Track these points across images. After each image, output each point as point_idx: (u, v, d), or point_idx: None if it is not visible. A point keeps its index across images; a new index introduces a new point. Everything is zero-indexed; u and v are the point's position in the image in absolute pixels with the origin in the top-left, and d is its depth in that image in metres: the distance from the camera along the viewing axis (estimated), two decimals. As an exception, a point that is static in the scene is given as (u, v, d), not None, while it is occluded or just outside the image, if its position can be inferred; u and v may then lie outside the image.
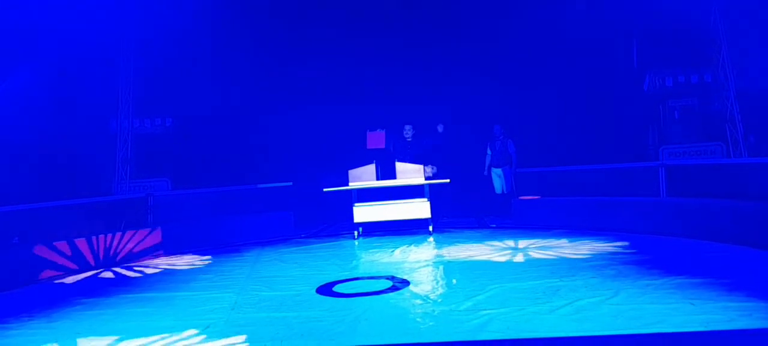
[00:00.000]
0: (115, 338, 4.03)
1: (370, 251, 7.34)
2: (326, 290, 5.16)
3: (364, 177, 8.42)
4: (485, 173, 10.10)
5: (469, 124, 10.76)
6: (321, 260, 6.82)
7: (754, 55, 9.81)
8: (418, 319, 4.07)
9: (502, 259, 6.14)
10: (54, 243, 7.04)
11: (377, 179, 8.39)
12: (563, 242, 7.00)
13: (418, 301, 4.56)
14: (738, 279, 4.58)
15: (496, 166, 9.93)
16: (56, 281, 6.63)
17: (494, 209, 10.11)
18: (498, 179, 9.98)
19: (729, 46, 9.82)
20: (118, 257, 7.76)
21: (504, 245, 7.01)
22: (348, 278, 5.68)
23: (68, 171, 10.34)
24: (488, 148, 10.01)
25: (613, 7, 9.96)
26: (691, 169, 8.28)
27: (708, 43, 10.13)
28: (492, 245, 7.07)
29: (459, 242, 7.48)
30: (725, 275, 4.76)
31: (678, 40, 10.48)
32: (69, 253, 7.18)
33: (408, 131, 9.33)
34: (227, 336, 3.89)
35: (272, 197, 10.14)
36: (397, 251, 7.12)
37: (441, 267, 5.99)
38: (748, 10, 9.73)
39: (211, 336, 3.92)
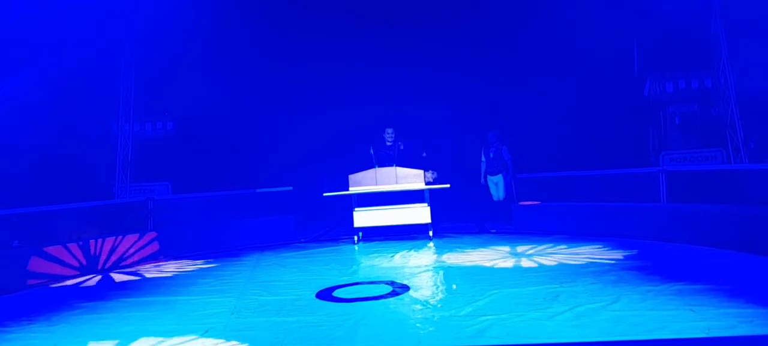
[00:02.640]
0: (115, 341, 4.03)
1: (370, 255, 7.33)
2: (326, 295, 5.15)
3: (364, 182, 8.42)
4: (482, 181, 9.98)
5: (470, 129, 10.77)
6: (321, 265, 6.82)
7: (755, 61, 9.81)
8: (417, 324, 4.06)
9: (503, 264, 6.13)
10: (54, 247, 7.05)
11: (377, 183, 8.39)
12: (563, 247, 6.99)
13: (418, 306, 4.56)
14: (739, 286, 4.57)
15: (493, 174, 9.77)
16: (56, 285, 6.63)
17: (494, 215, 10.08)
18: (495, 187, 9.84)
19: (729, 52, 9.82)
20: (118, 261, 7.76)
21: (504, 251, 7.00)
22: (348, 282, 5.67)
23: (69, 175, 10.34)
24: (482, 156, 9.86)
25: (613, 12, 9.97)
26: (691, 174, 8.28)
27: (708, 48, 10.14)
28: (492, 251, 7.06)
29: (459, 248, 7.48)
30: (726, 281, 4.75)
31: (678, 46, 10.48)
32: (69, 257, 7.18)
33: (389, 135, 9.28)
34: (227, 340, 3.88)
35: (273, 201, 10.15)
36: (397, 256, 7.11)
37: (441, 272, 5.98)
38: (748, 16, 9.74)
39: (211, 341, 3.91)
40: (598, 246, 6.91)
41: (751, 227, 6.10)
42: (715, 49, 9.98)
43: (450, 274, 5.85)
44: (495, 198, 9.90)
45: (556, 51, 10.53)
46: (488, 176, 9.83)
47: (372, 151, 9.09)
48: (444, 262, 6.53)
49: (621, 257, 6.09)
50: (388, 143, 9.21)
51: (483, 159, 9.85)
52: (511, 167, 9.65)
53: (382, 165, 8.80)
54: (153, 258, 8.18)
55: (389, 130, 9.31)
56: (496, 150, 9.67)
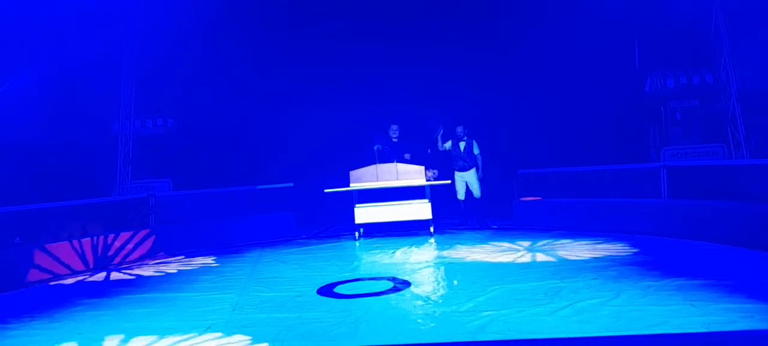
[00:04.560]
0: (117, 338, 4.04)
1: (371, 252, 7.34)
2: (327, 291, 5.16)
3: (365, 178, 8.42)
4: (437, 137, 9.22)
5: (470, 127, 10.75)
6: (322, 261, 6.83)
7: (756, 56, 9.80)
8: (418, 320, 4.07)
9: (503, 260, 6.14)
10: (55, 244, 7.06)
11: (378, 179, 8.39)
12: (564, 243, 6.99)
13: (419, 302, 4.56)
14: (739, 281, 4.58)
15: (464, 170, 9.26)
16: (58, 282, 6.64)
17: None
18: (462, 185, 9.35)
19: (730, 47, 9.80)
20: (120, 258, 7.78)
21: (505, 246, 7.01)
22: (349, 279, 5.68)
23: (69, 172, 10.35)
24: (451, 145, 9.28)
25: (614, 8, 9.95)
26: (692, 170, 8.28)
27: (709, 43, 10.12)
28: (493, 246, 7.07)
29: (460, 243, 7.48)
30: (726, 276, 4.75)
31: (679, 41, 10.46)
32: (70, 254, 7.19)
33: (394, 131, 9.22)
34: (228, 336, 3.89)
35: (273, 197, 10.15)
36: (399, 252, 7.12)
37: (442, 268, 5.99)
38: (749, 11, 9.72)
39: (212, 337, 3.92)
40: (599, 242, 6.92)
41: (752, 222, 6.11)
42: (716, 44, 9.96)
43: (451, 270, 5.86)
44: (460, 197, 9.41)
45: (557, 47, 10.50)
46: (458, 172, 9.32)
47: (377, 148, 8.84)
48: (445, 258, 6.54)
49: (622, 253, 6.09)
50: (394, 140, 9.18)
51: (449, 147, 9.28)
52: (481, 164, 9.31)
53: (386, 162, 8.78)
54: (154, 255, 8.20)
55: (394, 127, 9.23)
56: (467, 144, 9.23)
